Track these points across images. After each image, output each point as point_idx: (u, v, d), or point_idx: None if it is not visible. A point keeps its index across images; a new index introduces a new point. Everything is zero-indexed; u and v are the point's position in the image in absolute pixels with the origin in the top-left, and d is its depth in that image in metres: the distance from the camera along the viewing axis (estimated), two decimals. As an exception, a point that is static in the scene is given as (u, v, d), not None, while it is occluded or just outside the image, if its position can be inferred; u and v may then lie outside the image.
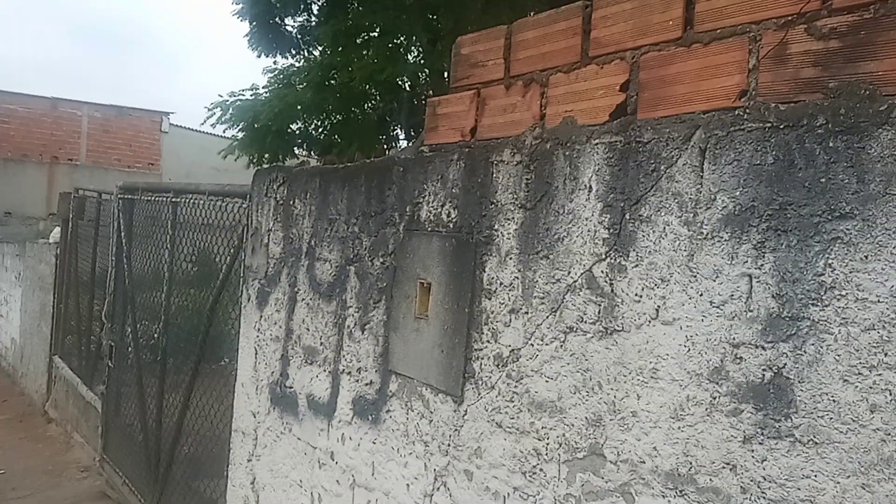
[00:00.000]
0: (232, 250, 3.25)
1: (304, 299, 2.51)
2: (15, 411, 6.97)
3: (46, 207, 16.81)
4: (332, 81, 6.37)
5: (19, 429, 6.34)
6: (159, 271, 4.11)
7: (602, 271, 1.44)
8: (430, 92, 8.34)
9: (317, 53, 7.56)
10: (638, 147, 1.39)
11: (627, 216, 1.40)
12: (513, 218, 1.65)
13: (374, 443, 2.10)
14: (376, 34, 6.04)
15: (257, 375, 2.79)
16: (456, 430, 1.79)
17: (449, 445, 1.81)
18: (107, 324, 4.72)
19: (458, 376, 1.78)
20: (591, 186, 1.47)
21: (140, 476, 4.15)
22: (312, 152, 7.36)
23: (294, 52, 8.07)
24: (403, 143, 9.08)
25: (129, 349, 4.50)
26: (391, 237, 2.09)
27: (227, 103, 7.43)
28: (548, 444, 1.54)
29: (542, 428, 1.55)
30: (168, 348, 3.92)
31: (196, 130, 19.98)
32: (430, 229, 1.93)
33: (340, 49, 6.04)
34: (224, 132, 7.47)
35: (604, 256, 1.43)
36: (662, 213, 1.33)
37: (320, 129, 7.31)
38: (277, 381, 2.64)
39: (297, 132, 7.24)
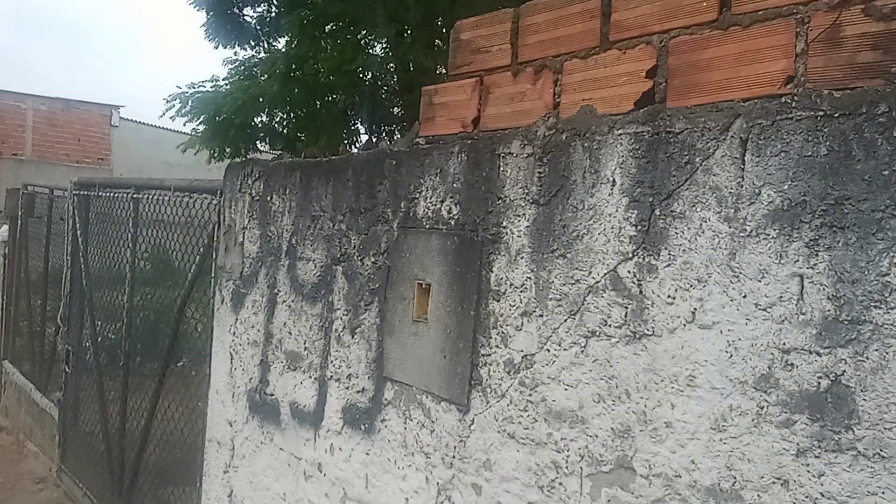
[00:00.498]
0: (201, 249, 3.07)
1: (284, 301, 2.37)
2: (-39, 420, 6.59)
3: (-10, 204, 16.12)
4: (299, 73, 6.16)
5: (-34, 439, 6.00)
6: (120, 271, 3.89)
7: (629, 271, 1.34)
8: (395, 85, 8.20)
9: (280, 44, 7.33)
10: (668, 138, 1.29)
11: (657, 212, 1.30)
12: (524, 214, 1.54)
13: (368, 454, 1.97)
14: (343, 24, 5.85)
15: (233, 382, 2.63)
16: (461, 440, 1.68)
17: (454, 457, 1.70)
18: (63, 327, 4.47)
19: (463, 383, 1.67)
20: (614, 180, 1.37)
21: (103, 487, 3.93)
22: (276, 146, 7.13)
23: (254, 43, 7.80)
24: (365, 139, 8.90)
25: (88, 353, 4.26)
26: (384, 235, 1.96)
27: (187, 95, 7.13)
28: (568, 456, 1.43)
29: (562, 439, 1.45)
30: (130, 352, 3.71)
31: (147, 124, 19.44)
32: (428, 226, 1.81)
33: (308, 40, 5.84)
34: (184, 125, 7.21)
35: (630, 255, 1.34)
36: (698, 209, 1.24)
37: (285, 123, 7.08)
38: (257, 388, 2.49)
39: (261, 126, 7.00)
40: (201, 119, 6.95)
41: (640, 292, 1.32)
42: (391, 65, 6.95)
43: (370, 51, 6.03)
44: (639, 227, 1.33)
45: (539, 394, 1.50)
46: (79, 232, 4.33)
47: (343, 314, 2.10)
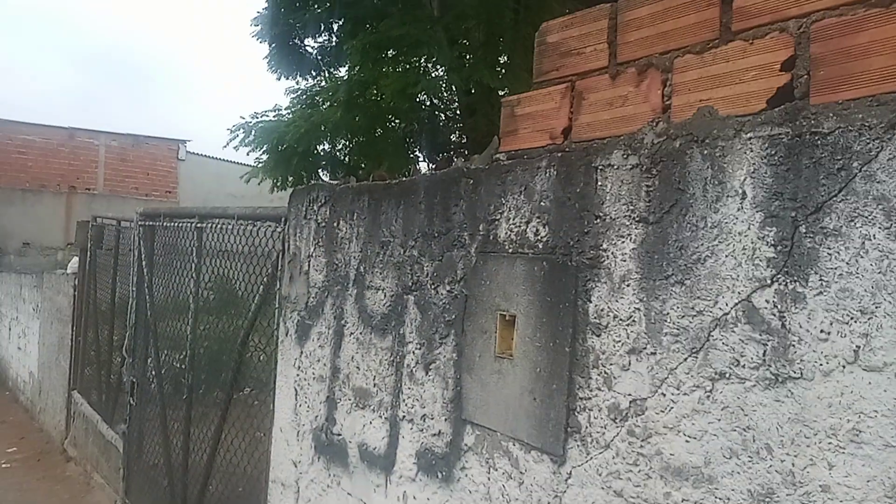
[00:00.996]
0: (265, 279, 2.95)
1: (352, 333, 2.21)
2: (33, 449, 6.68)
3: (64, 237, 16.71)
4: (361, 99, 6.10)
5: (37, 468, 6.05)
6: (183, 301, 3.82)
7: (767, 301, 1.11)
8: (455, 110, 8.09)
9: (341, 73, 7.32)
10: (815, 140, 1.07)
11: (803, 229, 1.08)
12: (629, 234, 1.34)
13: (446, 505, 1.77)
14: (406, 48, 5.78)
15: (298, 420, 2.48)
16: (556, 496, 1.46)
17: (547, 515, 1.48)
18: (127, 358, 4.44)
19: (557, 431, 1.46)
20: (744, 192, 1.16)
21: (165, 524, 3.83)
22: (337, 174, 7.10)
23: (315, 73, 7.84)
24: (423, 166, 8.79)
25: (152, 384, 4.20)
26: (460, 261, 1.78)
27: (250, 125, 7.18)
28: (691, 521, 1.20)
29: (683, 500, 1.22)
30: (194, 383, 3.62)
31: (212, 157, 20.00)
32: (511, 251, 1.62)
33: (370, 64, 5.79)
34: (247, 154, 7.25)
35: (769, 281, 1.11)
36: (858, 224, 1.01)
37: (346, 151, 7.03)
38: (323, 427, 2.33)
39: (322, 154, 6.96)
40: (264, 149, 6.97)
41: (783, 326, 1.09)
42: (452, 88, 6.84)
43: (432, 74, 5.93)
44: (779, 248, 1.10)
45: (653, 445, 1.27)
46: (144, 262, 4.31)
47: (416, 348, 1.92)
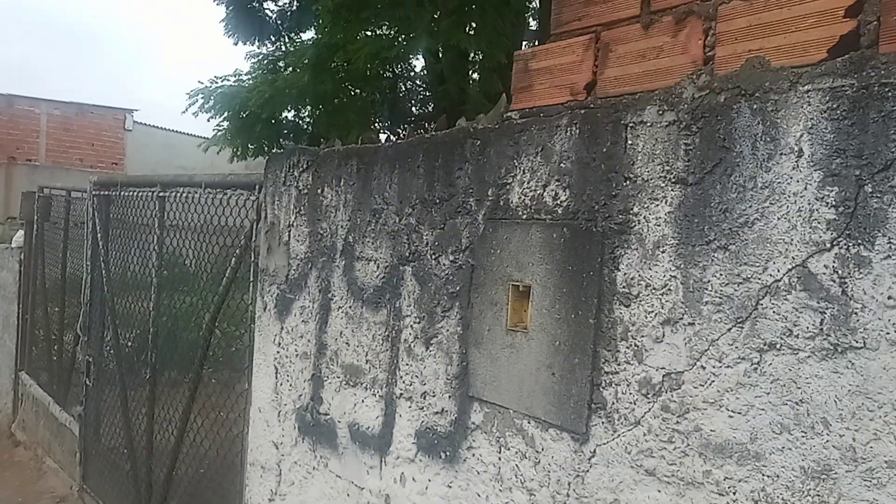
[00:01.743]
0: (237, 251, 2.79)
1: (340, 307, 2.08)
2: (-23, 433, 6.35)
3: (4, 211, 15.89)
4: (330, 63, 5.83)
5: (-17, 454, 5.75)
6: (144, 277, 3.62)
7: (826, 266, 1.04)
8: (420, 80, 7.89)
9: (303, 36, 7.02)
10: (884, 92, 0.99)
11: (868, 188, 1.00)
12: (664, 197, 1.24)
13: (450, 486, 1.68)
14: (381, 8, 5.52)
15: (279, 399, 2.35)
16: (578, 476, 1.38)
17: (567, 496, 1.40)
18: (82, 336, 4.20)
19: (580, 407, 1.37)
20: (800, 150, 1.07)
21: (128, 509, 3.65)
22: (300, 143, 6.85)
23: (274, 38, 7.53)
24: (383, 137, 8.52)
25: (110, 364, 3.99)
26: (465, 229, 1.66)
27: (209, 90, 6.83)
28: (735, 499, 1.13)
29: (726, 479, 1.14)
30: (156, 363, 3.44)
31: (161, 128, 19.31)
32: (525, 217, 1.51)
33: (342, 25, 5.53)
34: (207, 121, 6.91)
35: (828, 245, 1.03)
36: (936, 182, 0.94)
37: (312, 119, 6.74)
38: (307, 407, 2.20)
39: (286, 121, 6.67)
40: (224, 115, 6.65)
41: (844, 293, 1.02)
42: (419, 55, 6.63)
43: (402, 38, 5.71)
44: (840, 209, 1.02)
45: (690, 422, 1.19)
46: (99, 235, 4.07)
47: (414, 322, 1.80)
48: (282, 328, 2.35)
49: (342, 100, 6.32)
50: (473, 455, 1.62)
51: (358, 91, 6.50)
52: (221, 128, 6.90)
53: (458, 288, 1.68)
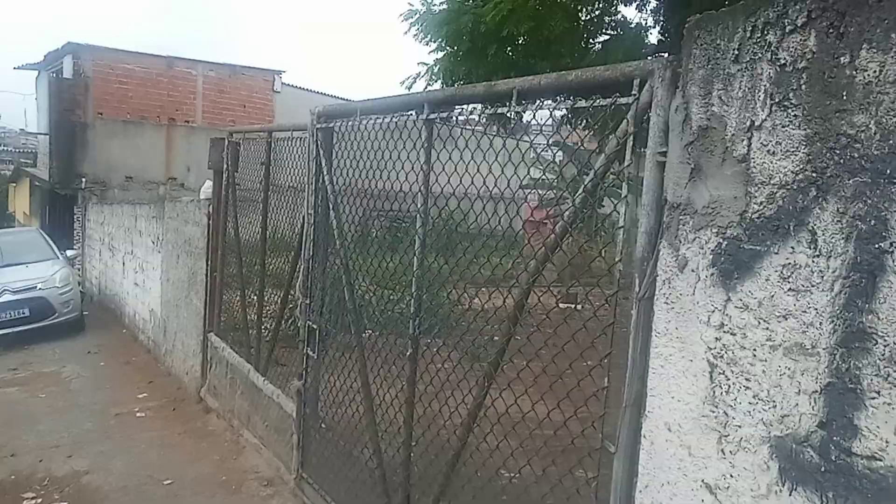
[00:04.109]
0: (587, 182, 1.89)
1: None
2: (165, 396, 6.04)
3: (165, 171, 16.30)
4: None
5: (175, 420, 5.37)
6: (394, 228, 2.84)
7: None
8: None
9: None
10: None
11: None
12: None
13: None
14: None
15: (722, 416, 1.44)
16: None
17: None
18: (302, 299, 3.52)
19: None
20: None
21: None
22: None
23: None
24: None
25: (344, 332, 3.29)
26: None
27: (422, 15, 5.89)
28: None
29: None
30: (419, 335, 2.65)
31: (308, 90, 19.19)
32: None
33: None
34: (426, 44, 5.94)
35: None
36: None
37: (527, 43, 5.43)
38: (808, 437, 1.28)
39: (521, 44, 5.42)
40: (442, 37, 5.58)
41: None
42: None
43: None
44: None
45: None
46: (325, 178, 3.34)
47: None
48: (728, 300, 1.43)
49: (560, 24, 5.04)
50: None
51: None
52: (438, 59, 5.80)
53: None
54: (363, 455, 3.13)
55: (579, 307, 2.62)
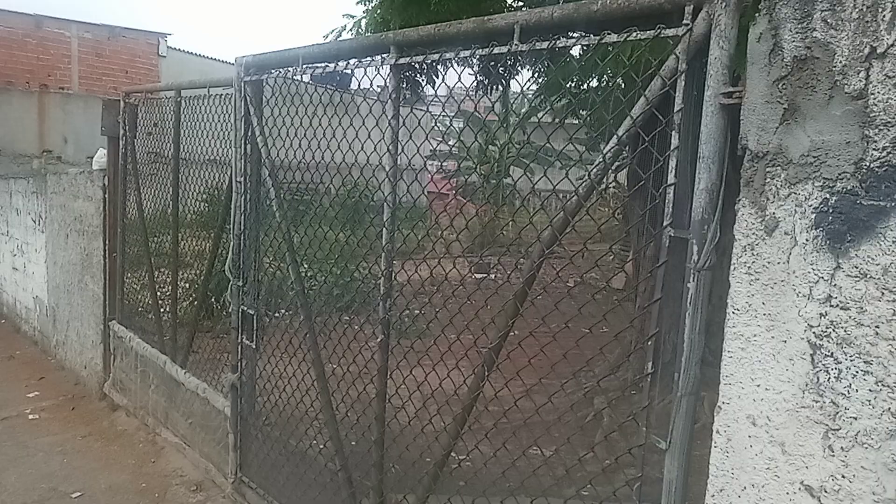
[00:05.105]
0: (633, 126, 1.61)
1: None
2: (61, 393, 5.34)
3: (39, 143, 14.75)
4: None
5: (76, 421, 4.73)
6: (353, 192, 2.47)
7: None
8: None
9: None
10: None
11: None
12: None
13: None
14: None
15: (822, 405, 1.20)
16: None
17: None
18: (234, 280, 3.07)
19: None
20: None
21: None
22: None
23: None
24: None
25: (288, 316, 2.88)
26: None
27: None
28: None
29: None
30: (389, 317, 2.30)
31: (196, 54, 17.92)
32: None
33: None
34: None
35: None
36: None
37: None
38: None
39: None
40: None
41: None
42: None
43: None
44: None
45: None
46: (259, 139, 2.88)
47: None
48: (837, 267, 1.18)
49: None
50: None
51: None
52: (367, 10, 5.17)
53: None
54: (322, 456, 2.76)
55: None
